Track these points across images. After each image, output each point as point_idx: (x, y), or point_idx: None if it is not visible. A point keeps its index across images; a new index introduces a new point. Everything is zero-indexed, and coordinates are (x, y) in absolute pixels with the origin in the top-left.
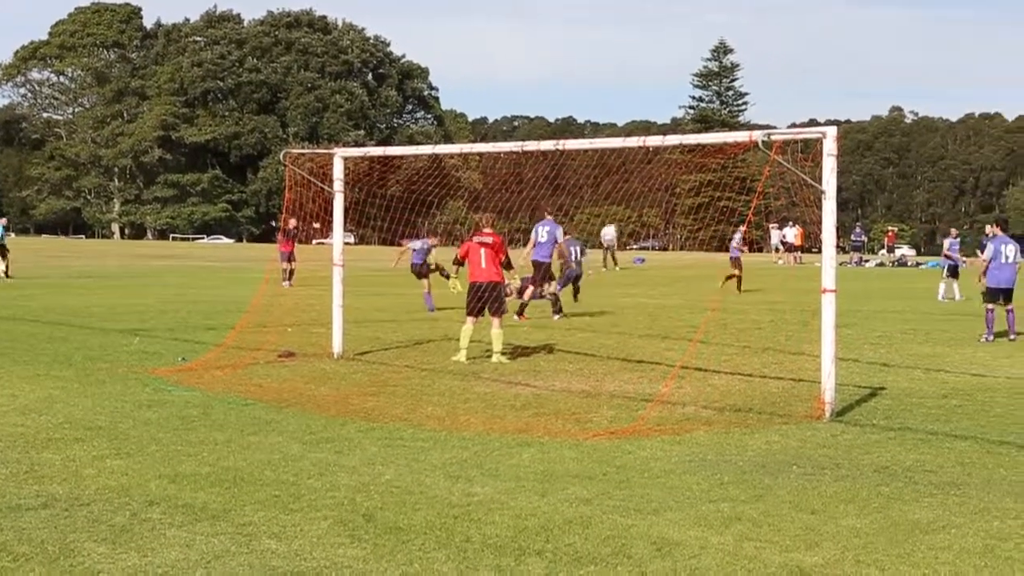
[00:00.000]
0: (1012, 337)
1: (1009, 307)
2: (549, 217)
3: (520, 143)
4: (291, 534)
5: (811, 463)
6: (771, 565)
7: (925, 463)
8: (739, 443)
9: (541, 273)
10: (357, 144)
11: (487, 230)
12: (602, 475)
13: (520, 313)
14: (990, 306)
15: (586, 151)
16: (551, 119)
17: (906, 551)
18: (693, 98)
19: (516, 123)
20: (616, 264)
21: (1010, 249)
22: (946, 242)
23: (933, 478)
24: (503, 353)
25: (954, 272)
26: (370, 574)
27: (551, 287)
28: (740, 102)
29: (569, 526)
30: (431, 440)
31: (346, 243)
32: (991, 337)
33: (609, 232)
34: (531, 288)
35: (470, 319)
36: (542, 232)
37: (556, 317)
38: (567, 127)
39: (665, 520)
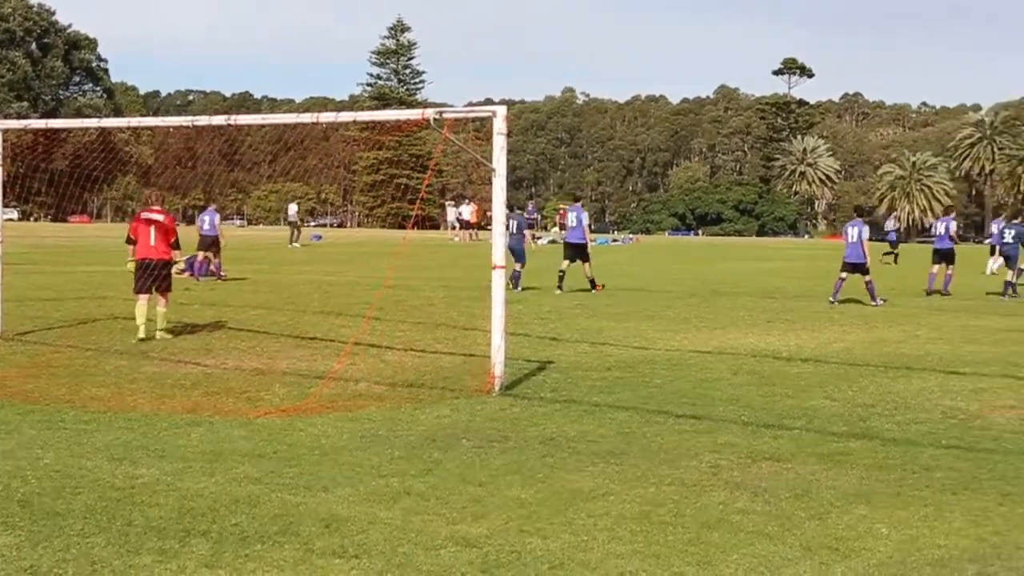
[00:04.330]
0: (874, 304)
1: (866, 279)
2: (578, 204)
3: (191, 117)
4: None
5: (480, 436)
6: (438, 537)
7: (588, 433)
8: (411, 418)
9: (573, 252)
10: (20, 116)
11: (156, 207)
12: (272, 453)
13: (594, 286)
14: (843, 275)
15: (262, 127)
16: (227, 94)
17: (567, 519)
18: (371, 75)
19: (191, 97)
20: (298, 240)
21: (854, 231)
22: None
23: (595, 448)
24: (168, 331)
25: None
26: (23, 562)
27: (588, 268)
28: (417, 80)
29: (237, 505)
30: (95, 422)
31: (8, 219)
32: (834, 301)
33: (292, 209)
34: (587, 265)
35: (142, 297)
36: (572, 217)
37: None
38: (243, 102)
39: (334, 497)
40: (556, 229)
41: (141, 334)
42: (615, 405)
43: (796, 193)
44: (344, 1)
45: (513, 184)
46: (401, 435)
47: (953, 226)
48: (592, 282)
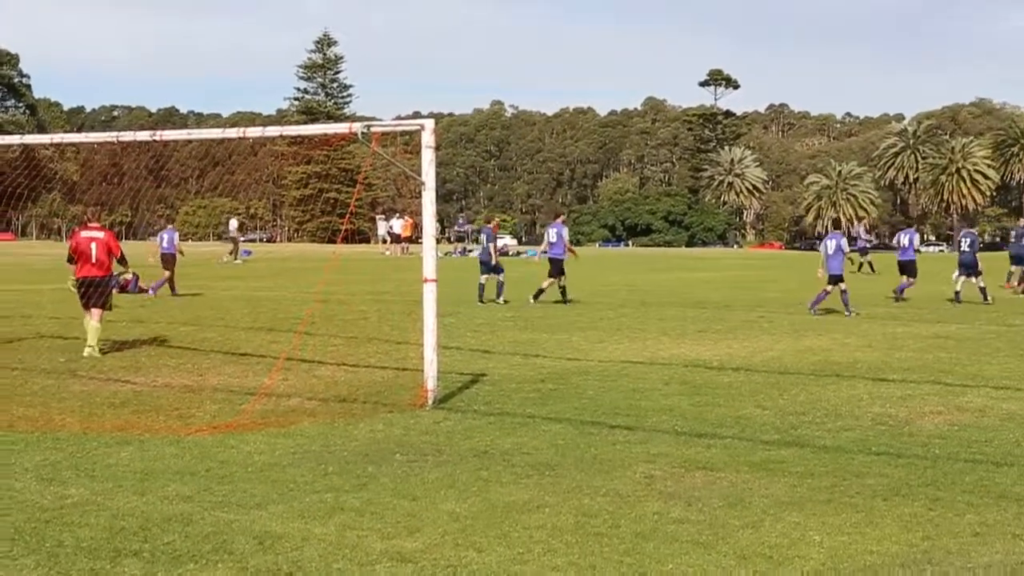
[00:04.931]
0: (847, 314)
1: (841, 287)
2: (559, 220)
3: (116, 133)
4: None
5: (414, 450)
6: (372, 553)
7: (522, 446)
8: (344, 433)
9: (556, 268)
10: None
11: (94, 224)
12: (204, 471)
13: (536, 296)
14: (828, 288)
15: (189, 142)
16: (153, 109)
17: (503, 532)
18: (298, 90)
19: (116, 113)
20: (236, 257)
21: (832, 243)
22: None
23: (529, 460)
24: (99, 348)
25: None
26: None
27: (562, 280)
28: (345, 94)
29: (168, 524)
30: (22, 442)
31: None
32: (813, 309)
33: (232, 224)
34: (560, 278)
35: (88, 313)
36: (552, 233)
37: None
38: (169, 117)
39: (268, 514)
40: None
41: (95, 352)
42: (548, 417)
43: (724, 203)
44: (270, 15)
45: (443, 197)
46: (334, 450)
47: (916, 239)
48: (539, 292)
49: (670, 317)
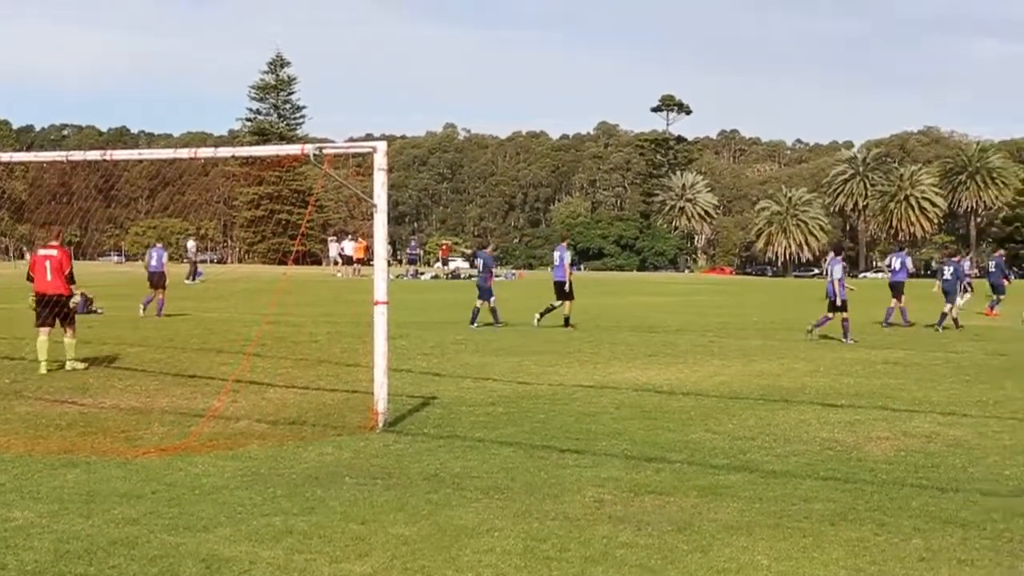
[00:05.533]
0: (845, 341)
1: (843, 316)
2: (563, 244)
3: (66, 152)
4: None
5: (363, 473)
6: None
7: (472, 469)
8: (293, 456)
9: (558, 290)
10: None
11: (53, 242)
12: (151, 493)
13: (567, 324)
14: (829, 314)
15: (139, 162)
16: (103, 128)
17: (452, 555)
18: (250, 110)
19: (66, 132)
20: (192, 278)
21: (834, 269)
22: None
23: (479, 483)
24: (77, 359)
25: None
26: None
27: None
28: (298, 115)
29: (114, 547)
30: None
31: None
32: (811, 331)
33: (191, 245)
34: (568, 304)
35: (42, 331)
36: (556, 256)
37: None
38: (120, 137)
39: (215, 537)
40: (439, 264)
41: (43, 369)
42: (499, 440)
43: (676, 228)
44: (223, 35)
45: (395, 219)
46: (283, 473)
47: (909, 262)
48: (567, 320)
49: (621, 341)
